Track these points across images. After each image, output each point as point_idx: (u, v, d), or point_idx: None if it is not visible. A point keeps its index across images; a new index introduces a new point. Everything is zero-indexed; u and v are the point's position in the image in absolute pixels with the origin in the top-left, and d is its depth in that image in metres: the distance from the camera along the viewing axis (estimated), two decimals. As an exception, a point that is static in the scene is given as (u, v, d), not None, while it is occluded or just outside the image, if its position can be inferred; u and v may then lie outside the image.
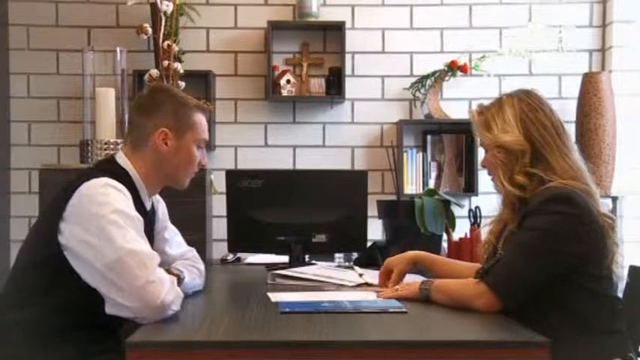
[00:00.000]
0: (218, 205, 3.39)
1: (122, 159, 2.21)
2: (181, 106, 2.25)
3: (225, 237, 2.98)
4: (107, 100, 3.27)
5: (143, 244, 1.98)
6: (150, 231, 2.23)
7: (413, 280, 2.25)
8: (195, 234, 2.97)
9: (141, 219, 2.05)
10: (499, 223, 2.16)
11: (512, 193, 2.08)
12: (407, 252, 2.41)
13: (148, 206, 2.26)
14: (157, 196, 2.39)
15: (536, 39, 4.15)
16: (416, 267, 2.41)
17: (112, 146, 3.21)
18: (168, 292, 1.90)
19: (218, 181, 3.39)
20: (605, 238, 2.02)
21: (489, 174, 2.20)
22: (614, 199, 3.98)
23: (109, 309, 1.94)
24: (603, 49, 4.25)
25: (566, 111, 4.06)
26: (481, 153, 2.30)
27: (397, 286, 2.22)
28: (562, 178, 2.04)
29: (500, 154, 2.11)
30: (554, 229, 1.96)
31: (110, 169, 2.16)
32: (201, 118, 2.28)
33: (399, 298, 2.09)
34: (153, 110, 2.22)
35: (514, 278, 1.96)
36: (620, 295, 2.19)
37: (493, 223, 2.20)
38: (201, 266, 2.42)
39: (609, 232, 2.04)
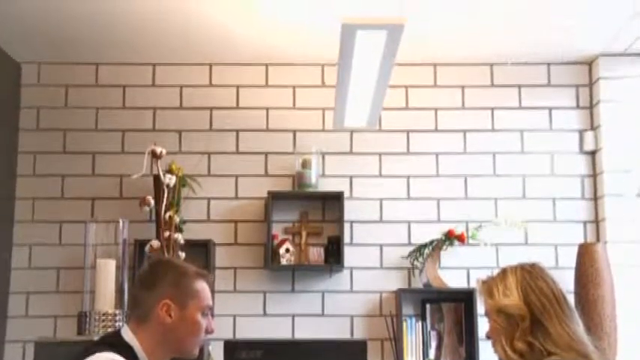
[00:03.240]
0: (215, 377, 3.33)
1: (128, 334, 2.20)
2: (182, 275, 2.26)
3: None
4: (107, 271, 3.29)
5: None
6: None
7: None
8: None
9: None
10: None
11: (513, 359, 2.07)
12: None
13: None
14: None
15: (531, 210, 4.25)
16: None
17: (110, 317, 3.19)
18: None
19: (216, 351, 3.34)
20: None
21: (492, 343, 2.20)
22: (619, 370, 3.91)
23: None
24: (597, 221, 4.33)
25: (563, 282, 3.98)
26: (481, 322, 2.30)
27: None
28: (561, 348, 2.03)
29: (500, 318, 2.13)
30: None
31: (115, 343, 2.15)
32: (203, 286, 2.29)
33: None
34: (154, 283, 2.23)
35: None
36: None
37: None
38: None
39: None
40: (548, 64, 4.46)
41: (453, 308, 4.25)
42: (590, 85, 4.43)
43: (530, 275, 2.17)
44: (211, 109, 4.44)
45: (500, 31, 4.05)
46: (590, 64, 4.44)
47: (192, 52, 4.31)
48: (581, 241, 4.26)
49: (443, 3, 3.68)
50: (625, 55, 4.28)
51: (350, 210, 4.30)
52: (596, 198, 4.34)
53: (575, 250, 4.11)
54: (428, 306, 4.26)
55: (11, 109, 4.36)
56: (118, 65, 4.44)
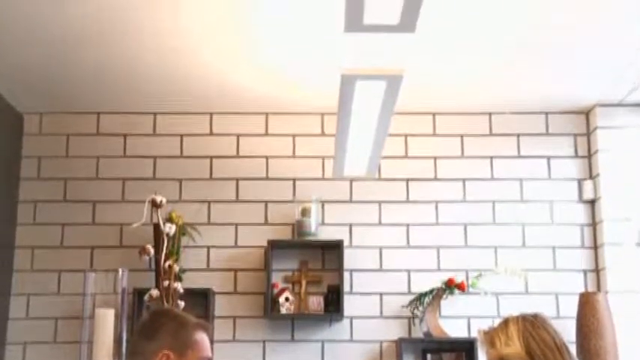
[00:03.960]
0: None
1: (127, 384, 2.19)
2: (181, 326, 2.26)
3: None
4: (106, 320, 3.26)
5: None
6: None
7: None
8: None
9: None
10: None
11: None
12: None
13: None
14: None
15: (531, 258, 4.24)
16: None
17: (107, 368, 3.16)
18: None
19: (215, 403, 3.31)
20: None
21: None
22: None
23: None
24: (597, 270, 4.32)
25: (565, 331, 3.98)
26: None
27: None
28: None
29: (502, 367, 2.12)
30: None
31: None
32: (202, 336, 2.29)
33: None
34: (154, 335, 2.23)
35: None
36: None
37: None
38: None
39: None
40: (546, 114, 4.50)
41: (454, 358, 4.22)
42: (588, 134, 4.46)
43: (532, 325, 2.18)
44: (211, 157, 4.46)
45: (498, 81, 4.09)
46: (587, 113, 4.47)
47: (193, 102, 4.35)
48: (582, 290, 4.24)
49: (442, 53, 3.72)
50: (621, 106, 4.32)
51: (350, 258, 4.30)
52: (596, 247, 4.33)
53: (576, 300, 4.09)
54: (429, 356, 4.22)
55: (13, 159, 4.38)
56: (119, 114, 4.47)
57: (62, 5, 3.27)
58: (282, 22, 3.41)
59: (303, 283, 4.30)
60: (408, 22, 2.23)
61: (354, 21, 2.22)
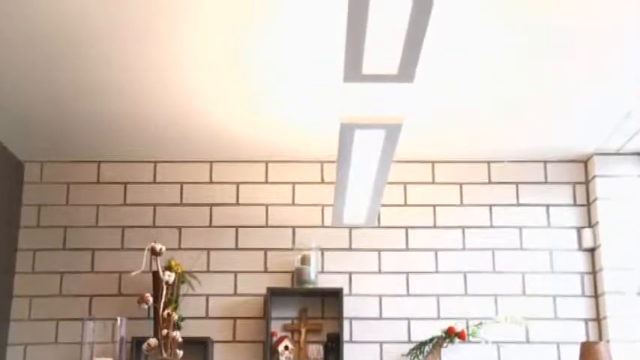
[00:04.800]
0: None
1: None
2: (179, 376, 2.24)
3: None
4: (104, 370, 3.25)
5: None
6: None
7: None
8: None
9: None
10: None
11: None
12: None
13: None
14: None
15: (532, 307, 4.22)
16: None
17: (104, 419, 3.13)
18: None
19: None
20: None
21: None
22: None
23: None
24: (599, 319, 4.29)
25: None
26: None
27: None
28: None
29: None
30: None
31: None
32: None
33: None
34: (152, 384, 2.21)
35: None
36: None
37: None
38: None
39: None
40: (545, 162, 4.52)
41: (455, 408, 4.18)
42: (587, 182, 4.48)
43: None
44: (211, 205, 4.48)
45: (496, 130, 4.12)
46: (585, 162, 4.50)
47: (193, 150, 4.38)
48: (584, 339, 4.21)
49: (440, 102, 3.76)
50: (619, 154, 4.35)
51: (349, 306, 4.28)
52: (597, 295, 4.32)
53: (577, 349, 4.06)
54: (429, 406, 4.18)
55: (13, 207, 4.39)
56: (119, 163, 4.50)
57: (65, 59, 3.31)
58: (281, 72, 3.45)
59: (303, 331, 4.28)
60: (406, 72, 2.26)
61: (353, 71, 2.25)
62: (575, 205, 4.48)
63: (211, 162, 4.52)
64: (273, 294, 4.25)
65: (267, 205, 4.48)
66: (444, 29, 3.06)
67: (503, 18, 3.02)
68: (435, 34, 3.07)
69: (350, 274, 4.40)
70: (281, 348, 4.16)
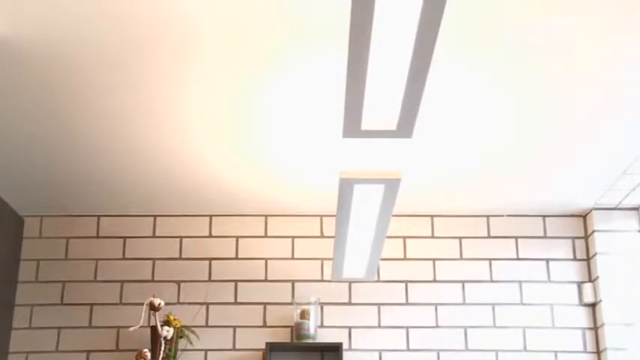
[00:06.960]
0: None
1: None
2: None
3: None
4: None
5: None
6: None
7: None
8: None
9: None
10: None
11: None
12: None
13: None
14: None
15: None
16: None
17: None
18: None
19: None
20: None
21: None
22: None
23: None
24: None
25: None
26: None
27: None
28: None
29: None
30: None
31: None
32: None
33: None
34: None
35: None
36: None
37: None
38: None
39: None
40: (544, 217, 4.53)
41: None
42: (586, 237, 4.48)
43: None
44: (210, 259, 4.47)
45: (495, 185, 4.14)
46: (584, 217, 4.51)
47: (193, 204, 4.39)
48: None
49: (439, 157, 3.79)
50: (618, 209, 4.36)
51: (349, 362, 4.24)
52: (599, 351, 4.28)
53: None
54: None
55: (11, 263, 4.37)
56: (118, 217, 4.50)
57: (64, 116, 3.35)
58: (281, 127, 3.48)
59: (302, 387, 4.23)
60: (405, 127, 2.28)
61: (353, 127, 2.27)
62: (575, 259, 4.47)
63: (211, 216, 4.53)
64: (272, 349, 4.21)
65: (266, 259, 4.47)
66: (443, 85, 3.11)
67: (503, 76, 3.06)
68: (434, 90, 3.11)
69: (350, 328, 4.37)
70: (280, 405, 4.11)
